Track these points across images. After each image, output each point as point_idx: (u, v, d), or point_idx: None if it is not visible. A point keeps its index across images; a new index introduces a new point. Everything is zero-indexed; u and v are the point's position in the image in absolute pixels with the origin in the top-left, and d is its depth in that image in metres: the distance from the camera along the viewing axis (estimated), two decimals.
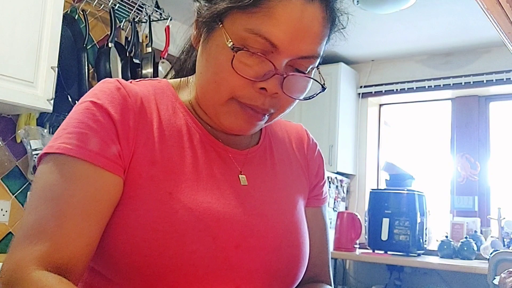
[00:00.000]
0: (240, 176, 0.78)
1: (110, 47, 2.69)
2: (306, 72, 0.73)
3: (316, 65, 0.74)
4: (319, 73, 0.75)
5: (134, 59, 2.84)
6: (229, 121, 0.74)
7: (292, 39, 0.68)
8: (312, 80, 0.74)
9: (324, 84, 0.74)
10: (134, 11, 2.87)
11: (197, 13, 0.76)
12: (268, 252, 0.75)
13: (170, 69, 0.90)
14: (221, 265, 0.70)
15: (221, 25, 0.71)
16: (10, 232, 2.37)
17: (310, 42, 0.70)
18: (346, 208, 3.90)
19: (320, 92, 0.76)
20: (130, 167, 0.70)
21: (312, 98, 0.75)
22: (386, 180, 3.48)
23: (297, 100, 0.75)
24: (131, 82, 0.78)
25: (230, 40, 0.69)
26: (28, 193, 2.44)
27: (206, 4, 0.74)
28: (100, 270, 0.73)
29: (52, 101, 2.17)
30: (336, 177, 3.76)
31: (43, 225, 0.64)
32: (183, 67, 0.86)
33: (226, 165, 0.78)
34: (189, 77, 0.83)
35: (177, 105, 0.78)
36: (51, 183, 0.66)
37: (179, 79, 0.84)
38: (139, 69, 2.86)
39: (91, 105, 0.70)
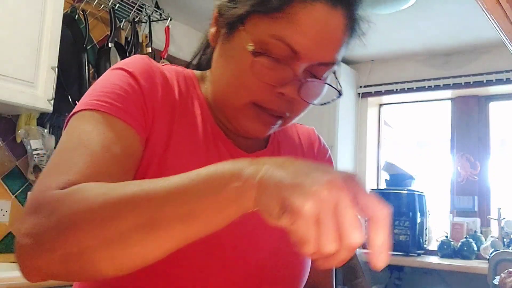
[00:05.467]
0: None
1: (110, 47, 2.69)
2: (323, 77, 0.72)
3: (333, 70, 0.73)
4: (336, 78, 0.75)
5: None
6: (246, 124, 0.73)
7: (314, 46, 0.67)
8: (332, 86, 0.73)
9: (341, 90, 0.74)
10: (134, 11, 2.87)
11: (218, 12, 0.75)
12: (264, 257, 0.73)
13: (187, 66, 0.88)
14: (214, 264, 0.69)
15: (242, 27, 0.69)
16: (10, 232, 2.36)
17: (331, 49, 0.70)
18: None
19: (337, 98, 0.75)
20: (148, 145, 0.69)
21: (327, 103, 0.75)
22: (386, 180, 3.48)
23: (311, 105, 0.74)
24: (159, 63, 0.77)
25: (251, 44, 0.68)
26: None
27: (229, 4, 0.72)
28: None
29: (52, 101, 2.17)
30: None
31: (73, 162, 0.60)
32: (199, 65, 0.85)
33: None
34: (206, 71, 0.82)
35: (196, 95, 0.78)
36: (83, 131, 0.64)
37: (201, 71, 0.83)
38: None
39: (123, 71, 0.70)
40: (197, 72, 0.82)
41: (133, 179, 0.67)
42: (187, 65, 0.88)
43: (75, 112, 0.67)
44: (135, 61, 0.73)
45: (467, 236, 3.21)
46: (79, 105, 0.67)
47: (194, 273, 0.68)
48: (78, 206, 0.52)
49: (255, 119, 0.72)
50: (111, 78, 0.70)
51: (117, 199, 0.51)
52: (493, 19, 1.57)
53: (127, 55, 2.81)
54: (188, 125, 0.74)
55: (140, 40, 2.95)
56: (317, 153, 0.90)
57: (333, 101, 0.75)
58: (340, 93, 0.74)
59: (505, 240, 3.06)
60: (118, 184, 0.54)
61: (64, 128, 0.68)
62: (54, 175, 0.59)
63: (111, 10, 2.72)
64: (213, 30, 0.76)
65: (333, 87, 0.74)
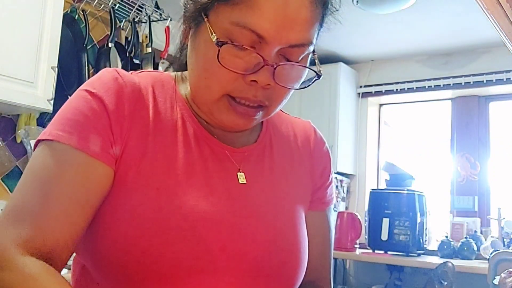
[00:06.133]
0: (238, 174, 0.76)
1: (110, 47, 2.69)
2: (299, 60, 0.70)
3: (311, 51, 0.71)
4: (316, 59, 0.73)
5: (134, 59, 2.83)
6: (223, 118, 0.72)
7: (279, 28, 0.66)
8: (308, 67, 0.71)
9: (320, 71, 0.72)
10: (134, 11, 2.87)
11: (184, 8, 0.75)
12: (256, 256, 0.71)
13: (167, 68, 0.89)
14: (205, 268, 0.67)
15: (205, 19, 0.69)
16: None
17: (299, 29, 0.67)
18: (346, 208, 3.90)
19: (315, 79, 0.73)
20: (122, 158, 0.69)
21: (308, 86, 0.73)
22: (386, 180, 3.48)
23: (292, 90, 0.72)
24: (131, 73, 0.77)
25: (214, 34, 0.67)
26: None
27: None
28: (88, 266, 0.71)
29: (52, 101, 2.17)
30: (336, 177, 3.76)
31: (28, 208, 0.63)
32: (180, 64, 0.85)
33: (221, 162, 0.75)
34: (185, 71, 0.82)
35: (175, 98, 0.77)
36: (40, 167, 0.66)
37: (180, 72, 0.83)
38: (140, 69, 2.85)
39: (87, 94, 0.70)
40: (175, 74, 0.82)
41: (102, 201, 0.68)
42: (171, 64, 0.88)
43: (40, 140, 0.69)
44: (101, 79, 0.72)
45: (467, 236, 3.21)
46: (44, 132, 0.69)
47: (181, 279, 0.66)
48: None
49: (231, 112, 0.71)
50: (75, 103, 0.70)
51: None
52: (493, 19, 1.57)
53: (127, 55, 2.81)
54: (166, 131, 0.73)
55: (140, 40, 2.95)
56: (313, 147, 0.88)
57: (312, 82, 0.73)
58: (318, 74, 0.72)
59: (505, 240, 3.06)
60: None
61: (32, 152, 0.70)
62: (10, 225, 0.63)
63: (111, 10, 2.71)
64: (183, 28, 0.76)
65: (309, 68, 0.72)
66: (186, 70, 0.83)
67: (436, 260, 3.08)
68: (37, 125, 2.42)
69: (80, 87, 0.72)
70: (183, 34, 0.77)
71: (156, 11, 2.97)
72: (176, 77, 0.81)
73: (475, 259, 3.10)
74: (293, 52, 0.69)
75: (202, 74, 0.71)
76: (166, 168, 0.70)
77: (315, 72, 0.72)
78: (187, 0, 0.74)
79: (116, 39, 2.77)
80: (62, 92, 2.37)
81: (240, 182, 0.76)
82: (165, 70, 0.88)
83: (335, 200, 0.93)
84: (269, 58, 0.67)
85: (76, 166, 0.66)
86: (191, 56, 0.74)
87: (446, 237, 3.26)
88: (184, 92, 0.79)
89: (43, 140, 0.68)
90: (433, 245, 3.36)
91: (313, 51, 0.72)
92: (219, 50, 0.66)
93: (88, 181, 0.66)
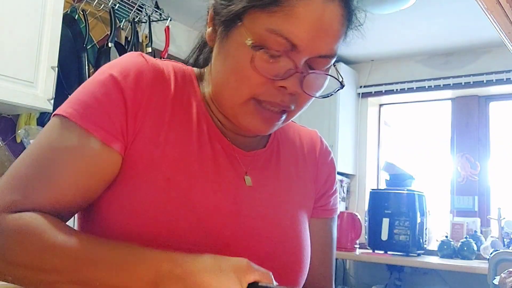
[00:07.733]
0: (245, 177, 0.77)
1: (110, 47, 2.69)
2: (323, 70, 0.72)
3: (332, 63, 0.73)
4: (336, 70, 0.75)
5: None
6: (247, 121, 0.72)
7: (313, 38, 0.67)
8: (328, 77, 0.73)
9: (342, 81, 0.74)
10: (134, 11, 2.87)
11: (214, 11, 0.75)
12: (260, 257, 0.72)
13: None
14: None
15: (240, 23, 0.69)
16: None
17: (330, 41, 0.69)
18: (346, 208, 3.90)
19: (338, 89, 0.75)
20: (133, 146, 0.69)
21: (330, 95, 0.75)
22: (386, 180, 3.48)
23: (313, 98, 0.74)
24: (156, 59, 0.77)
25: (250, 39, 0.68)
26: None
27: (224, 2, 0.72)
28: None
29: (52, 101, 2.17)
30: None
31: (29, 183, 0.65)
32: (196, 64, 0.85)
33: (231, 163, 0.76)
34: (204, 69, 0.82)
35: (193, 93, 0.78)
36: (49, 144, 0.67)
37: (201, 69, 0.83)
38: None
39: (108, 78, 0.70)
40: (196, 70, 0.82)
41: (104, 188, 0.69)
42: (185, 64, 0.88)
43: (56, 114, 0.69)
44: (124, 64, 0.72)
45: (467, 236, 3.21)
46: (61, 107, 0.69)
47: None
48: (19, 247, 0.61)
49: (256, 116, 0.72)
50: (93, 86, 0.70)
51: (52, 254, 0.60)
52: (493, 19, 1.57)
53: None
54: (181, 123, 0.74)
55: (140, 40, 2.95)
56: (318, 156, 0.90)
57: (336, 92, 0.75)
58: (342, 84, 0.74)
59: (505, 240, 3.06)
60: (58, 237, 0.61)
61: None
62: (6, 190, 0.65)
63: (111, 10, 2.72)
64: (209, 30, 0.76)
65: (335, 78, 0.74)
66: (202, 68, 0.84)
67: (436, 260, 3.08)
68: (37, 125, 2.42)
69: (104, 68, 0.72)
70: (208, 37, 0.76)
71: (156, 11, 2.97)
72: (197, 73, 0.82)
73: (475, 259, 3.10)
74: (319, 62, 0.71)
75: (231, 76, 0.71)
76: (178, 159, 0.71)
77: (339, 82, 0.74)
78: (218, 4, 0.74)
79: (116, 39, 2.77)
80: (62, 92, 2.37)
81: (246, 184, 0.77)
82: None
83: (338, 212, 0.93)
84: (299, 66, 0.68)
85: (82, 149, 0.66)
86: (218, 58, 0.74)
87: (446, 237, 3.26)
88: (201, 90, 0.79)
89: (56, 114, 0.69)
90: (433, 245, 3.36)
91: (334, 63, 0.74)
92: (254, 54, 0.67)
93: (92, 167, 0.67)
